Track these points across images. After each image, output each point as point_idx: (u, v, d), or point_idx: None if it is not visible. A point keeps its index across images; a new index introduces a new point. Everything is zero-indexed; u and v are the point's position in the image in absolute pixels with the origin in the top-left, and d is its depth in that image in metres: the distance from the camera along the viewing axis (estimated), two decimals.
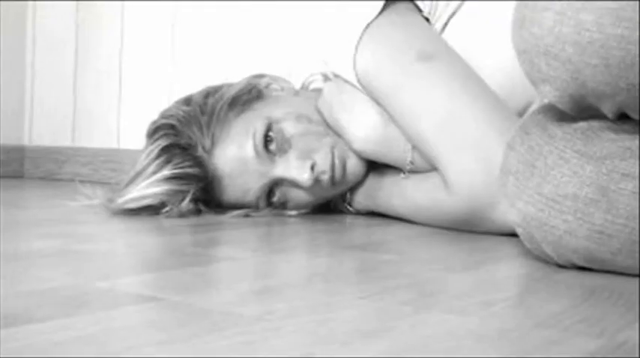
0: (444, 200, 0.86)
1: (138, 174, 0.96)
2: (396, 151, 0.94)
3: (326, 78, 1.04)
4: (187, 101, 1.03)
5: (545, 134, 0.59)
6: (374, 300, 0.46)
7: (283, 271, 0.57)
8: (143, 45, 1.72)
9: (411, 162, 0.93)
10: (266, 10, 1.50)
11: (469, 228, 0.85)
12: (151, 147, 0.97)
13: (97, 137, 1.80)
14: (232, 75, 1.13)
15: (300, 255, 0.67)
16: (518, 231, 0.62)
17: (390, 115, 0.92)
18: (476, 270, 0.58)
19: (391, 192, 0.98)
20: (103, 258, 0.61)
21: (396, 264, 0.61)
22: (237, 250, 0.67)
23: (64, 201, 1.05)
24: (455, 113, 0.85)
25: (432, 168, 0.90)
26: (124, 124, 1.75)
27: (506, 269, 0.61)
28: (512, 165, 0.61)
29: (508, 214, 0.63)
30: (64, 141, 1.86)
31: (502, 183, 0.63)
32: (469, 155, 0.83)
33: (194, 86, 1.07)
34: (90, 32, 1.82)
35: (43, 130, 1.90)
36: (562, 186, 0.56)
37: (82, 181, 1.71)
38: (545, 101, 0.96)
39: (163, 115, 1.02)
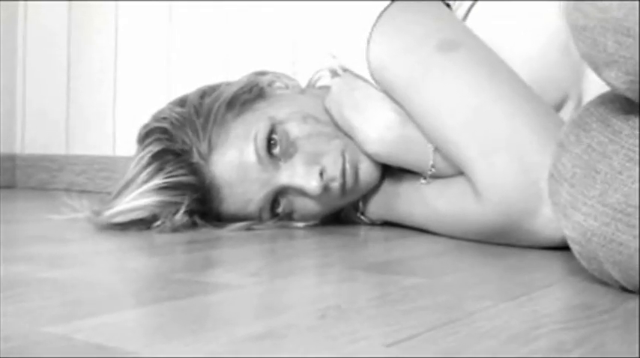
0: (472, 209, 0.75)
1: (127, 184, 0.86)
2: (416, 154, 0.83)
3: (334, 73, 0.94)
4: (182, 102, 0.93)
5: (608, 130, 0.48)
6: (408, 348, 0.35)
7: (289, 305, 0.47)
8: (138, 46, 1.63)
9: (433, 166, 0.82)
10: (266, 1, 1.40)
11: (503, 240, 0.75)
12: (142, 154, 0.87)
13: (91, 143, 1.71)
14: (233, 75, 1.02)
15: (308, 281, 0.57)
16: (575, 248, 0.51)
17: (408, 113, 0.82)
18: (527, 299, 0.48)
19: (410, 200, 0.87)
20: (71, 289, 0.50)
21: (426, 290, 0.50)
22: (235, 275, 0.56)
23: (51, 215, 0.94)
24: (483, 109, 0.75)
25: (458, 172, 0.80)
26: (120, 130, 1.66)
27: (564, 297, 0.50)
28: (567, 170, 0.50)
29: (562, 228, 0.52)
30: (57, 148, 1.77)
31: (553, 191, 0.52)
32: (501, 156, 0.72)
33: (194, 88, 0.97)
34: (83, 33, 1.73)
35: (35, 137, 1.81)
36: (633, 195, 0.46)
37: (76, 191, 1.62)
38: (586, 95, 0.87)
39: (155, 118, 0.92)
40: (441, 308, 0.44)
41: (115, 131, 1.68)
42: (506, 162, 0.72)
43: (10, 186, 1.81)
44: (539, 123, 0.73)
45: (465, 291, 0.50)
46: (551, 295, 0.50)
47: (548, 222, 0.70)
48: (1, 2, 1.78)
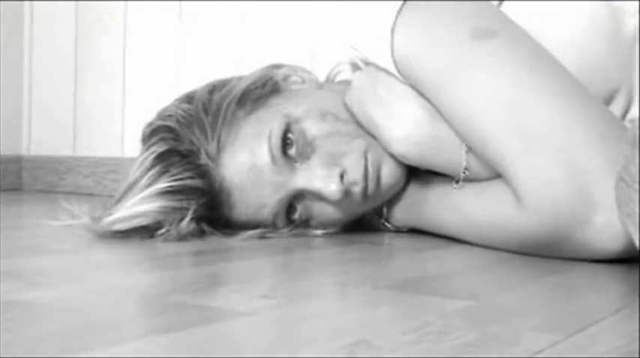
0: (513, 217, 0.67)
1: (129, 188, 0.79)
2: (446, 154, 0.75)
3: (355, 67, 0.86)
4: (189, 98, 0.85)
5: None
6: None
7: (308, 339, 0.38)
8: (147, 45, 1.57)
9: (466, 168, 0.74)
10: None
11: (549, 252, 0.66)
12: (145, 155, 0.80)
13: (99, 145, 1.65)
14: (247, 72, 0.94)
15: (330, 304, 0.48)
16: None
17: (437, 109, 0.74)
18: (597, 330, 0.39)
19: (441, 206, 0.78)
20: (49, 316, 0.42)
21: (473, 317, 0.42)
22: (244, 296, 0.48)
23: (49, 221, 0.87)
24: (523, 103, 0.66)
25: (493, 174, 0.72)
26: (129, 131, 1.60)
27: (635, 324, 0.41)
28: None
29: (635, 242, 0.43)
30: (64, 150, 1.71)
31: (625, 199, 0.43)
32: (544, 156, 0.64)
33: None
34: (90, 33, 1.67)
35: (41, 139, 1.75)
36: None
37: (84, 194, 1.55)
38: (637, 91, 0.78)
39: (160, 116, 0.85)
40: (497, 345, 0.36)
41: (124, 132, 1.61)
42: (550, 163, 0.64)
43: (17, 189, 1.75)
44: (588, 119, 0.64)
45: (520, 319, 0.42)
46: (624, 325, 0.41)
47: (600, 232, 0.62)
48: (7, 1, 1.72)
